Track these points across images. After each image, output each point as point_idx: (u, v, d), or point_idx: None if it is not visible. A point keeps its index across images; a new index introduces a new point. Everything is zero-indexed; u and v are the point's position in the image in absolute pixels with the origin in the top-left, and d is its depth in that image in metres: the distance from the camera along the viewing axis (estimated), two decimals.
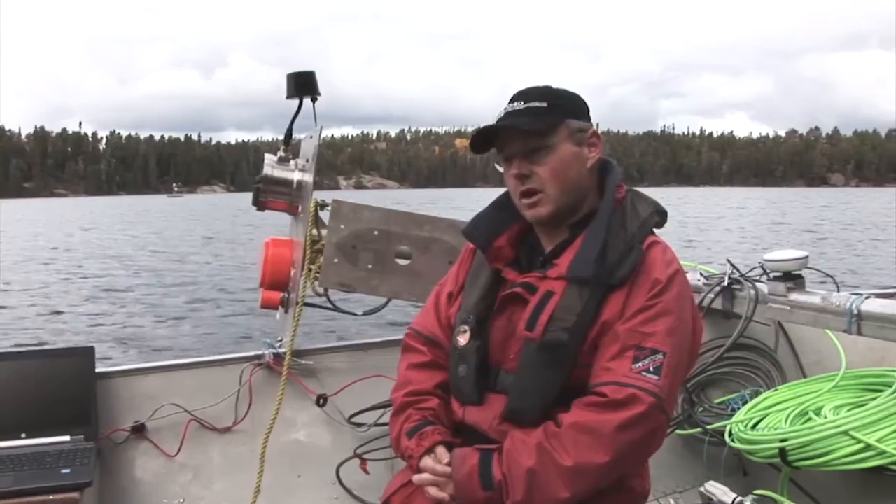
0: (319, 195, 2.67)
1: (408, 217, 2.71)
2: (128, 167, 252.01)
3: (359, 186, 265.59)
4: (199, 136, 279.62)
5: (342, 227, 2.64)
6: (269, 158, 2.73)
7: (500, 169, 1.69)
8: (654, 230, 1.67)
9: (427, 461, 1.61)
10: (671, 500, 2.81)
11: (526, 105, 1.62)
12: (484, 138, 1.67)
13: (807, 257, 2.61)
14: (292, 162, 2.73)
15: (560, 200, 1.62)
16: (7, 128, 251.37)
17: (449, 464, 1.58)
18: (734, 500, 2.30)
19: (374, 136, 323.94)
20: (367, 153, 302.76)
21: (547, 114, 1.61)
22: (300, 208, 2.72)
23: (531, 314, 1.58)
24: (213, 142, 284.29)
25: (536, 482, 1.47)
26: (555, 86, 1.68)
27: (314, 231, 2.63)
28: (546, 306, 1.57)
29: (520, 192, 1.64)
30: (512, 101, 1.65)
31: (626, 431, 1.46)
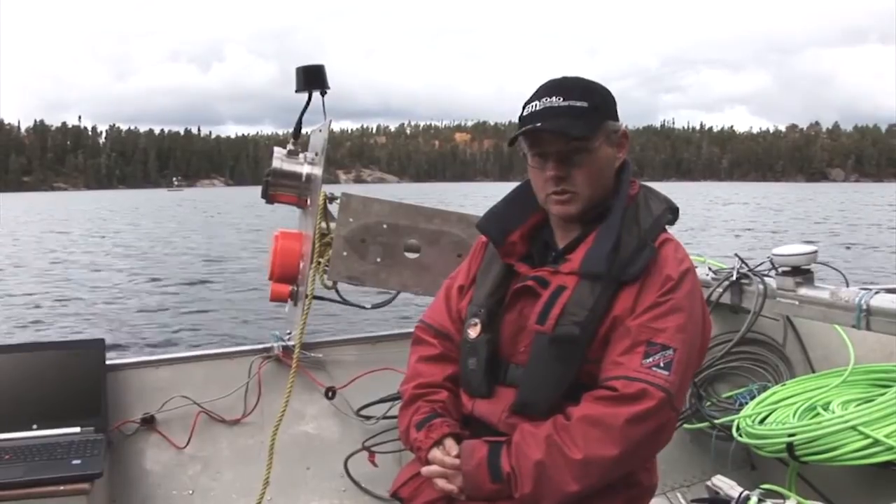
0: (325, 189, 2.68)
1: (416, 210, 2.71)
2: (127, 161, 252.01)
3: (358, 180, 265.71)
4: (199, 129, 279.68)
5: (351, 220, 2.64)
6: (278, 152, 2.73)
7: (529, 162, 1.66)
8: (666, 227, 1.67)
9: (436, 453, 1.61)
10: (678, 494, 2.82)
11: (567, 103, 1.57)
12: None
13: (816, 252, 2.61)
14: (301, 155, 2.73)
15: (590, 200, 1.62)
16: (6, 122, 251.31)
17: (457, 456, 1.58)
18: (741, 494, 2.31)
19: (374, 131, 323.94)
20: (367, 147, 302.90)
21: (589, 115, 1.58)
22: (309, 201, 2.72)
23: (542, 308, 1.58)
24: (213, 136, 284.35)
25: (545, 475, 1.48)
26: (586, 78, 1.66)
27: (323, 224, 2.63)
28: (557, 300, 1.56)
29: (552, 190, 1.61)
30: (548, 93, 1.60)
31: (635, 426, 1.46)
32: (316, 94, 2.69)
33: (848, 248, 22.60)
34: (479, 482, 1.53)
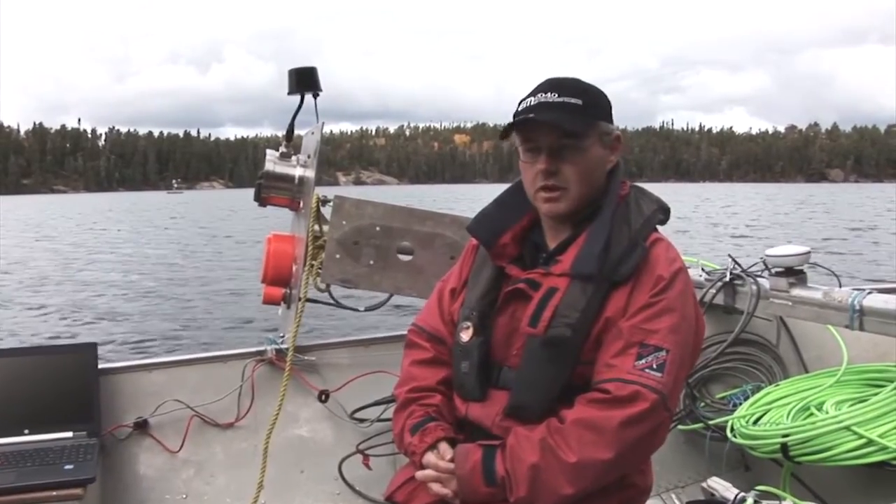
0: (319, 191, 2.68)
1: (409, 213, 2.71)
2: (127, 163, 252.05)
3: (358, 182, 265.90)
4: (199, 132, 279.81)
5: (344, 222, 2.64)
6: (270, 154, 2.73)
7: (521, 157, 1.65)
8: (657, 227, 1.67)
9: (430, 457, 1.61)
10: (673, 496, 2.82)
11: (561, 99, 1.59)
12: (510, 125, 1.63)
13: (809, 253, 2.61)
14: (294, 158, 2.73)
15: (579, 200, 1.62)
16: (6, 124, 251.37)
17: (452, 460, 1.58)
18: (736, 495, 2.31)
19: (373, 132, 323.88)
20: (366, 149, 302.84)
21: (583, 113, 1.59)
22: (302, 204, 2.72)
23: (534, 310, 1.58)
24: (212, 138, 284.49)
25: (540, 478, 1.47)
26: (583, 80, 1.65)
27: (316, 227, 2.63)
28: (549, 302, 1.57)
29: (541, 185, 1.62)
30: (544, 90, 1.61)
31: (629, 428, 1.46)
32: (309, 97, 2.69)
33: (827, 249, 22.64)
34: (473, 486, 1.53)
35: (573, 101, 1.59)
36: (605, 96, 1.67)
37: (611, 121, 1.66)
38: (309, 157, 2.71)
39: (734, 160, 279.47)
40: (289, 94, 2.67)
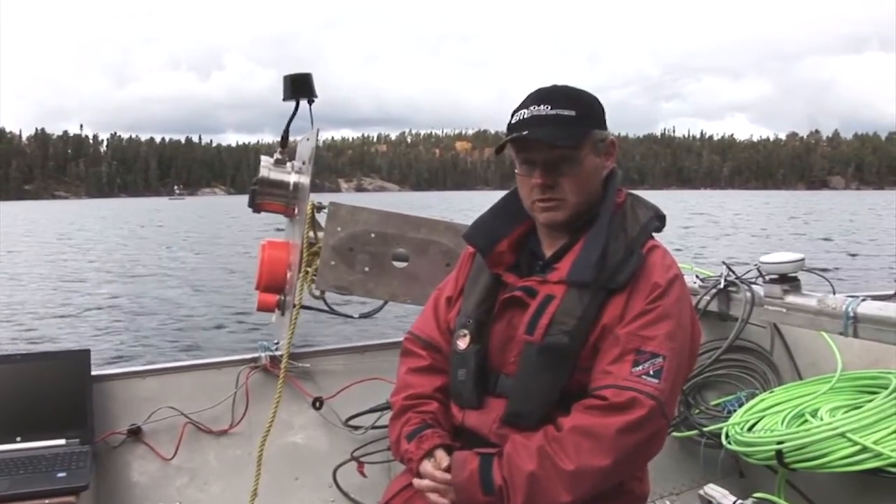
0: (320, 197, 2.67)
1: (404, 219, 2.71)
2: (129, 169, 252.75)
3: (359, 189, 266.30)
4: (200, 138, 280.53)
5: (339, 229, 2.64)
6: (265, 160, 2.73)
7: (517, 169, 1.66)
8: (654, 234, 1.67)
9: (427, 466, 1.60)
10: (667, 503, 2.81)
11: (554, 111, 1.58)
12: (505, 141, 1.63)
13: (803, 259, 2.61)
14: (289, 164, 2.73)
15: (577, 208, 1.62)
16: (8, 130, 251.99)
17: (448, 468, 1.57)
18: (734, 503, 2.30)
19: (375, 139, 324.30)
20: (368, 156, 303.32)
21: (576, 124, 1.58)
22: (296, 210, 2.72)
23: (531, 318, 1.58)
24: (214, 144, 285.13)
25: (537, 486, 1.47)
26: (574, 87, 1.66)
27: (311, 233, 2.63)
28: (546, 310, 1.57)
29: (538, 197, 1.62)
30: (535, 102, 1.61)
31: (626, 435, 1.46)
32: (304, 103, 2.69)
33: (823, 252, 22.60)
34: (471, 494, 1.53)
35: (566, 112, 1.58)
36: (598, 102, 1.67)
37: (604, 127, 1.66)
38: (304, 163, 2.71)
39: (735, 167, 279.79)
40: (284, 100, 2.67)
